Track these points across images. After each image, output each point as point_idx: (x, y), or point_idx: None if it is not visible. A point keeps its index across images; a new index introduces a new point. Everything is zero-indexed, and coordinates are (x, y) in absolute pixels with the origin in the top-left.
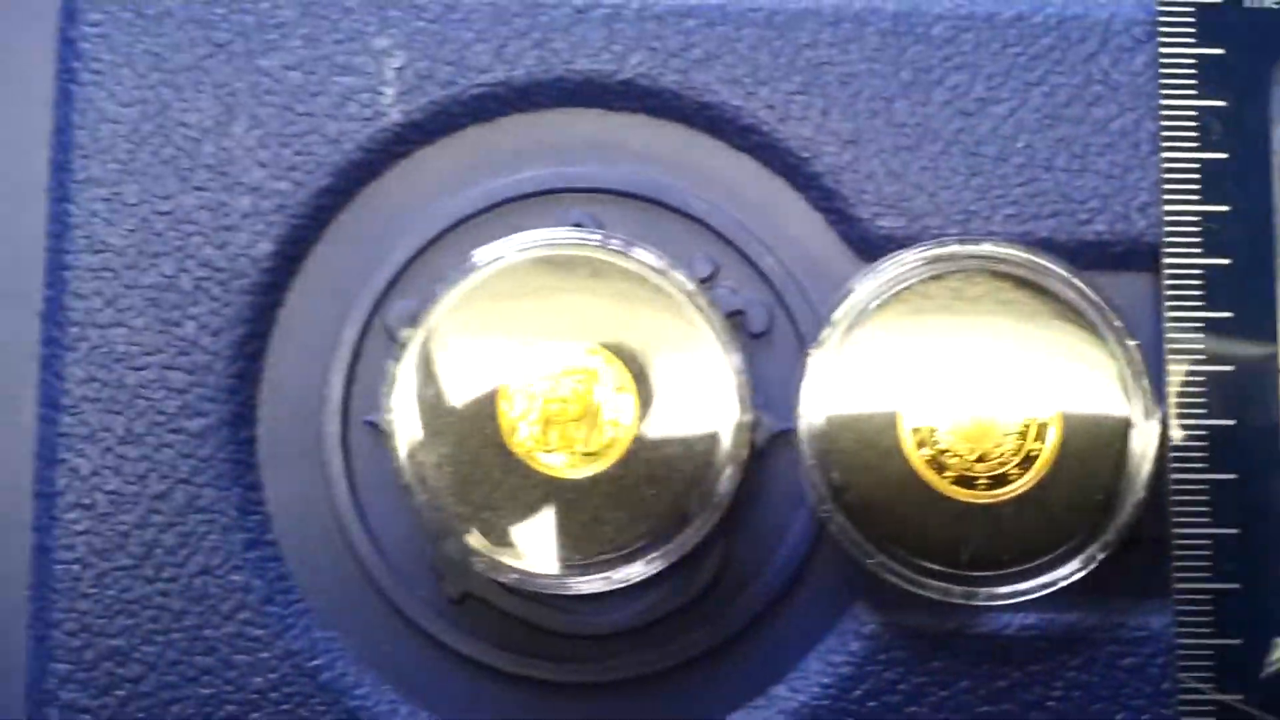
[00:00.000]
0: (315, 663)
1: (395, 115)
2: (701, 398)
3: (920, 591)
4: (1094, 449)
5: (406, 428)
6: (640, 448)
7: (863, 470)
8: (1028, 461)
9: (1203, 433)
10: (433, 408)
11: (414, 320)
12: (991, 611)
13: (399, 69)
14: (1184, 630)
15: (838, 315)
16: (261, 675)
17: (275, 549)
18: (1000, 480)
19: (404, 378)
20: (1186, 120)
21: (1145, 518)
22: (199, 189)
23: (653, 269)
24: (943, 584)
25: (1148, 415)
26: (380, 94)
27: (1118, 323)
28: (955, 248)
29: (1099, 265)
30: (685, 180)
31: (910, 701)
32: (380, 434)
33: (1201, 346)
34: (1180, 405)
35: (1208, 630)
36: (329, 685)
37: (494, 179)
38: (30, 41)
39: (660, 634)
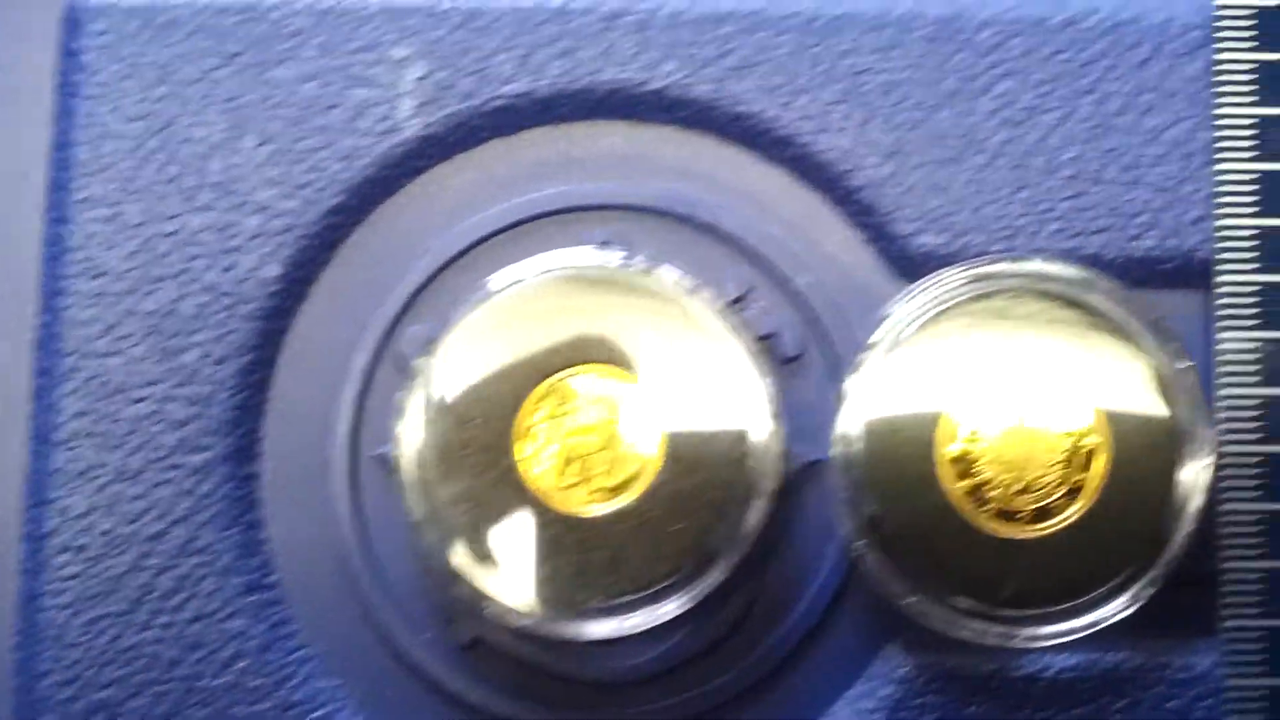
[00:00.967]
0: (317, 714)
1: (413, 129)
2: (730, 426)
3: (958, 633)
4: (1143, 479)
5: (418, 461)
6: (665, 480)
7: (900, 503)
8: (1073, 493)
9: (1256, 460)
10: (446, 440)
11: (428, 347)
12: (1032, 653)
13: (419, 78)
14: (1233, 670)
15: (875, 338)
16: None
17: (276, 592)
18: (1044, 514)
19: (416, 408)
20: (1243, 129)
21: (1193, 550)
22: (204, 209)
23: (680, 290)
24: (981, 624)
25: (1200, 442)
26: (397, 107)
27: (1172, 345)
28: (1001, 265)
29: (1149, 282)
30: (716, 196)
31: None
32: (390, 468)
33: (1255, 369)
34: (1231, 430)
35: (1259, 670)
36: None
37: (514, 196)
38: (29, 53)
39: (682, 680)
